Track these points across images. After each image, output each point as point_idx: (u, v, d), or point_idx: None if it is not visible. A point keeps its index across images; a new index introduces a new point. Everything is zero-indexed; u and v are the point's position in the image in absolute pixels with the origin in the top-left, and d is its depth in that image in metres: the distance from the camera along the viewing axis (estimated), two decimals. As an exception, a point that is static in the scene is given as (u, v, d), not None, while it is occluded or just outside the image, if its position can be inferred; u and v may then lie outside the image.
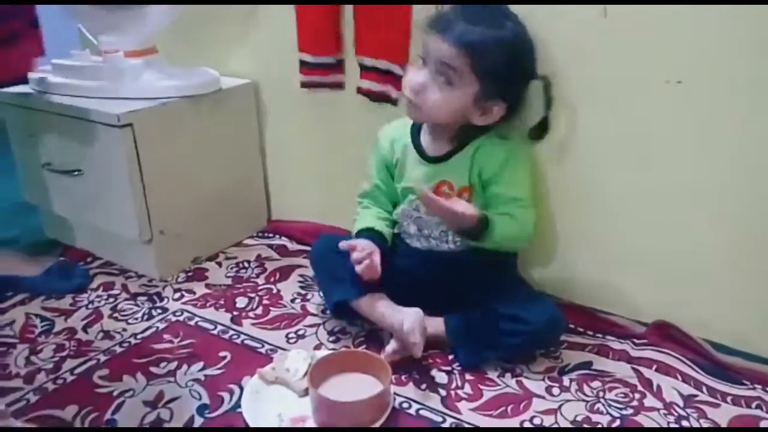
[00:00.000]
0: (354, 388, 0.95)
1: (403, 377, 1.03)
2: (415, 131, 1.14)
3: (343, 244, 1.06)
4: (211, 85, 1.39)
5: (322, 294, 1.21)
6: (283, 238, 1.53)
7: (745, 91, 0.96)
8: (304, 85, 1.36)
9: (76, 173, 1.32)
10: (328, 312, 1.21)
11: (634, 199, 1.11)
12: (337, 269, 1.11)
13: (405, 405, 0.97)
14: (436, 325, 1.07)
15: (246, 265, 1.41)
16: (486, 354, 1.05)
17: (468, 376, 1.03)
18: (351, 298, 1.09)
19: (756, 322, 1.07)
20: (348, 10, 1.27)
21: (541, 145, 1.14)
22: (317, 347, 1.12)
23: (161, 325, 1.19)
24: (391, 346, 1.04)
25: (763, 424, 0.93)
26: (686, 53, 0.98)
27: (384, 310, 1.07)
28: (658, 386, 1.00)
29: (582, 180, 1.14)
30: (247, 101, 1.47)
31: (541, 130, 1.10)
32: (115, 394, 1.00)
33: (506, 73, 1.02)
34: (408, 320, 1.00)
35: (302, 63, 1.34)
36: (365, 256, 1.04)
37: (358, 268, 1.04)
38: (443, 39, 0.99)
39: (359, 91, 1.31)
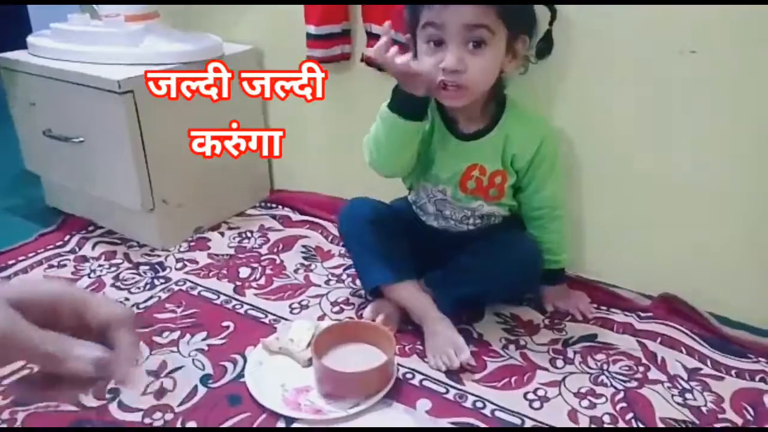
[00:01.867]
0: (358, 358, 0.95)
1: (407, 348, 1.03)
2: (440, 104, 1.05)
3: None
4: (214, 51, 1.36)
5: (355, 269, 1.17)
6: (286, 208, 1.52)
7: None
8: (309, 60, 1.31)
9: (76, 140, 1.30)
10: (333, 283, 1.20)
11: (642, 172, 1.10)
12: (371, 244, 1.06)
13: (409, 376, 0.97)
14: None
15: (249, 235, 1.40)
16: (461, 291, 1.04)
17: (472, 348, 1.02)
18: (387, 281, 1.06)
19: (761, 295, 1.06)
20: None
21: (555, 118, 1.12)
22: (321, 318, 1.11)
23: (164, 295, 1.18)
24: (380, 317, 1.04)
25: (766, 397, 0.93)
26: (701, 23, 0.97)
27: (421, 307, 1.04)
28: (663, 359, 1.00)
29: (590, 155, 1.13)
30: (251, 68, 1.44)
31: (549, 44, 1.04)
32: (118, 362, 1.00)
33: (523, 3, 0.98)
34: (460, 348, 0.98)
35: (308, 35, 1.31)
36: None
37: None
38: (462, 4, 0.91)
39: (363, 59, 1.29)
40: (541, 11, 1.03)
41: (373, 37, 1.26)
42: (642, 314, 1.11)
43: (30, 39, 1.39)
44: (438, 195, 1.09)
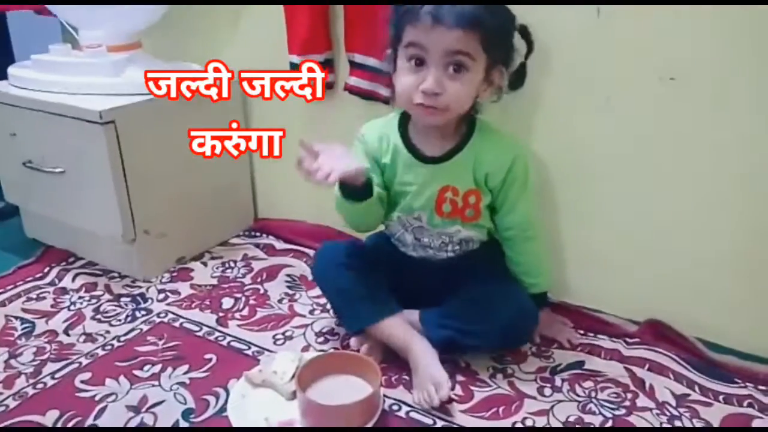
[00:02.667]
0: (343, 390, 0.93)
1: (393, 379, 1.01)
2: (403, 129, 1.06)
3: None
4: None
5: (333, 313, 1.17)
6: (270, 237, 1.50)
7: (742, 88, 0.96)
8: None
9: (57, 171, 1.29)
10: (318, 313, 1.19)
11: (626, 198, 1.10)
12: (347, 288, 1.06)
13: (395, 407, 0.95)
14: (415, 319, 1.06)
15: (232, 264, 1.39)
16: (448, 331, 1.01)
17: (459, 377, 1.01)
18: (366, 324, 1.05)
19: (748, 320, 1.06)
20: (339, 7, 1.25)
21: (535, 144, 1.13)
22: (305, 349, 1.10)
23: (145, 327, 1.16)
24: (364, 347, 1.04)
25: (755, 422, 0.92)
26: (680, 51, 0.98)
27: (403, 344, 1.02)
28: (651, 386, 1.00)
29: (575, 179, 1.14)
30: (234, 97, 1.44)
31: (521, 77, 1.04)
32: (97, 398, 0.98)
33: (504, 33, 0.98)
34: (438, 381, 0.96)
35: (291, 65, 1.31)
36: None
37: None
38: (447, 27, 0.91)
39: (347, 87, 1.29)
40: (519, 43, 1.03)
41: (356, 66, 1.27)
42: (629, 340, 1.10)
43: (11, 70, 1.38)
44: (415, 223, 1.08)
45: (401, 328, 1.03)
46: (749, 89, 0.95)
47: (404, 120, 1.07)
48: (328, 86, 1.32)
